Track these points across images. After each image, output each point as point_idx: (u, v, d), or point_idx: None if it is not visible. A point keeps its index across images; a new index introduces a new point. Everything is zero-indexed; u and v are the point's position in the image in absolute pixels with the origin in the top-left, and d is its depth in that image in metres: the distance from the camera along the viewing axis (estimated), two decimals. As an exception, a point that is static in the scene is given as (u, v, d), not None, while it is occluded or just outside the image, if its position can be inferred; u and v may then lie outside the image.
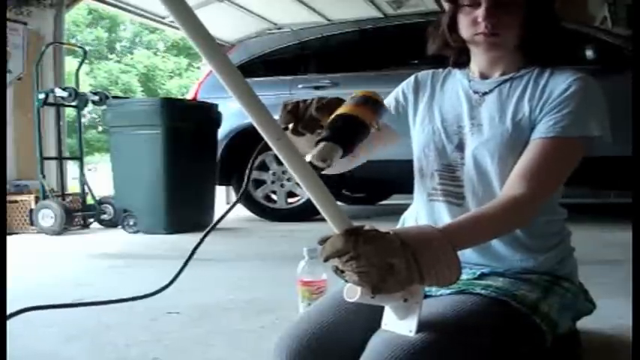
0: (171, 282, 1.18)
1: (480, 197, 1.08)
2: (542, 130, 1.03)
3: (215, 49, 0.71)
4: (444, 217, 1.11)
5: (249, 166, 1.19)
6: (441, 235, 0.87)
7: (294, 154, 0.79)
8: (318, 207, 0.82)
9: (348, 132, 0.92)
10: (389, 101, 1.25)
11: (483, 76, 1.16)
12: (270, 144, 0.78)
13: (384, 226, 0.86)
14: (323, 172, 0.88)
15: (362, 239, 0.80)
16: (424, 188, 1.16)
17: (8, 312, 1.33)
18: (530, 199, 0.98)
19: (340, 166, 1.18)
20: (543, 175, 1.01)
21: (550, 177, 1.02)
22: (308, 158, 0.87)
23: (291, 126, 1.00)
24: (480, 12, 1.07)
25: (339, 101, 0.99)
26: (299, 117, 1.00)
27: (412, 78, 1.26)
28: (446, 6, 1.16)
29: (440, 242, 0.85)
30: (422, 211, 1.16)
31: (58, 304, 1.43)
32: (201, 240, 1.07)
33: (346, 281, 0.84)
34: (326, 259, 0.83)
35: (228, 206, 1.06)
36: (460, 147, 1.12)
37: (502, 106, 1.10)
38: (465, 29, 1.11)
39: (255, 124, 0.76)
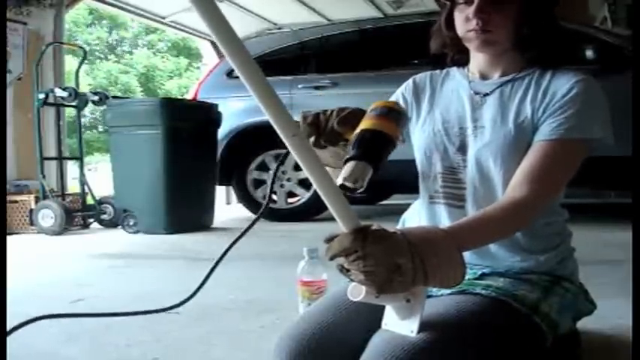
0: (197, 290, 1.17)
1: (480, 199, 1.08)
2: (545, 133, 1.03)
3: (235, 42, 0.71)
4: (443, 219, 1.11)
5: (272, 175, 1.18)
6: (446, 236, 0.87)
7: (307, 151, 0.78)
8: (327, 205, 0.81)
9: (376, 149, 0.89)
10: None
11: (483, 77, 1.16)
12: (284, 140, 0.77)
13: (384, 227, 0.86)
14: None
15: (370, 239, 0.80)
16: (427, 190, 1.16)
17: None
18: (533, 201, 0.98)
19: None
20: (546, 178, 1.00)
21: (553, 179, 1.02)
22: (339, 181, 0.85)
23: (312, 139, 0.99)
24: (471, 9, 1.07)
25: (360, 112, 0.97)
26: (320, 130, 0.99)
27: (410, 81, 1.25)
28: (441, 5, 1.17)
29: (446, 243, 0.85)
30: (422, 214, 1.16)
31: (73, 313, 1.43)
32: (229, 247, 1.07)
33: (351, 280, 0.84)
34: (332, 258, 0.83)
35: (255, 217, 1.06)
36: (462, 149, 1.11)
37: (504, 107, 1.10)
38: (459, 26, 1.11)
39: (271, 120, 0.75)
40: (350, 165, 0.87)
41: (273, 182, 1.20)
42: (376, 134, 0.90)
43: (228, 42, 0.71)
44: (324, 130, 0.98)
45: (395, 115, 0.93)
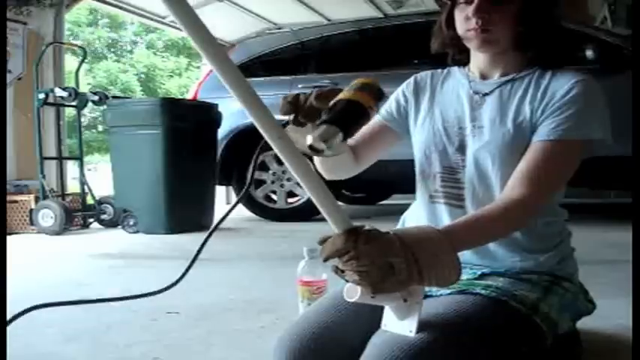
0: (177, 281, 1.17)
1: (479, 199, 1.08)
2: (544, 133, 1.03)
3: (215, 47, 0.70)
4: (444, 219, 1.11)
5: (251, 167, 1.19)
6: (441, 235, 0.87)
7: (294, 153, 0.78)
8: (318, 206, 0.81)
9: (348, 115, 0.91)
10: (390, 104, 1.25)
11: (483, 77, 1.16)
12: (270, 143, 0.77)
13: (384, 226, 0.87)
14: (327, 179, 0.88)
15: (362, 239, 0.80)
16: (426, 190, 1.16)
17: (9, 312, 1.32)
18: (530, 201, 0.98)
19: (346, 171, 1.18)
20: (544, 178, 1.00)
21: (550, 179, 1.02)
22: (309, 141, 0.87)
23: (291, 117, 1.00)
24: (471, 8, 1.07)
25: (338, 90, 0.99)
26: (299, 107, 1.00)
27: (411, 79, 1.26)
28: (441, 5, 1.17)
29: (440, 243, 0.85)
30: (423, 213, 1.16)
31: (65, 301, 1.43)
32: (204, 242, 1.07)
33: (346, 281, 0.84)
34: (326, 259, 0.83)
35: (229, 207, 1.06)
36: (461, 149, 1.11)
37: (503, 107, 1.09)
38: (459, 26, 1.11)
39: (256, 123, 0.75)
40: (320, 127, 0.89)
41: (254, 169, 1.20)
42: (350, 103, 0.92)
43: (208, 48, 0.70)
44: (302, 108, 0.99)
45: (370, 89, 0.95)
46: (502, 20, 1.06)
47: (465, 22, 1.09)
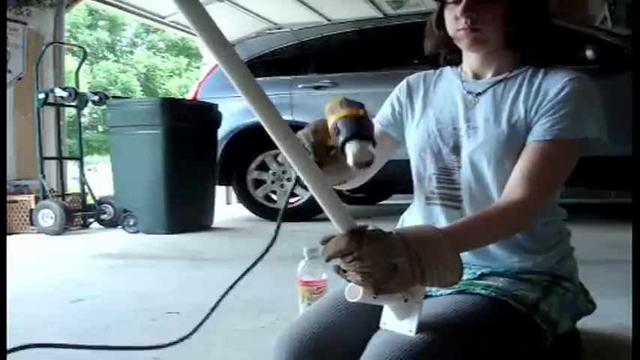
0: (216, 305, 1.17)
1: (477, 200, 1.08)
2: (539, 133, 1.03)
3: (224, 45, 0.70)
4: (440, 220, 1.11)
5: (292, 182, 1.14)
6: (443, 236, 0.87)
7: (300, 154, 0.78)
8: (322, 206, 0.81)
9: (361, 125, 0.91)
10: (384, 109, 1.25)
11: (476, 77, 1.15)
12: (277, 143, 0.77)
13: (384, 226, 0.86)
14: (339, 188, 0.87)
15: (366, 239, 0.80)
16: (422, 192, 1.15)
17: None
18: (530, 202, 0.98)
19: (351, 184, 1.17)
20: (542, 179, 1.00)
21: (549, 180, 1.02)
22: (350, 162, 0.87)
23: None
24: (459, 7, 1.07)
25: (322, 121, 0.97)
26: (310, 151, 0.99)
27: (404, 82, 1.25)
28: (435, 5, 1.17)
29: (442, 243, 0.85)
30: (419, 215, 1.16)
31: (68, 344, 1.43)
32: (248, 269, 1.07)
33: (348, 281, 0.84)
34: (328, 259, 0.83)
35: (275, 229, 1.06)
36: (456, 150, 1.11)
37: (496, 107, 1.09)
38: (449, 26, 1.11)
39: (263, 123, 0.75)
40: (350, 146, 0.88)
41: (293, 187, 1.18)
42: (352, 116, 0.92)
43: (217, 46, 0.70)
44: (315, 151, 0.96)
45: (348, 103, 0.94)
46: (491, 19, 1.06)
47: (454, 22, 1.09)
